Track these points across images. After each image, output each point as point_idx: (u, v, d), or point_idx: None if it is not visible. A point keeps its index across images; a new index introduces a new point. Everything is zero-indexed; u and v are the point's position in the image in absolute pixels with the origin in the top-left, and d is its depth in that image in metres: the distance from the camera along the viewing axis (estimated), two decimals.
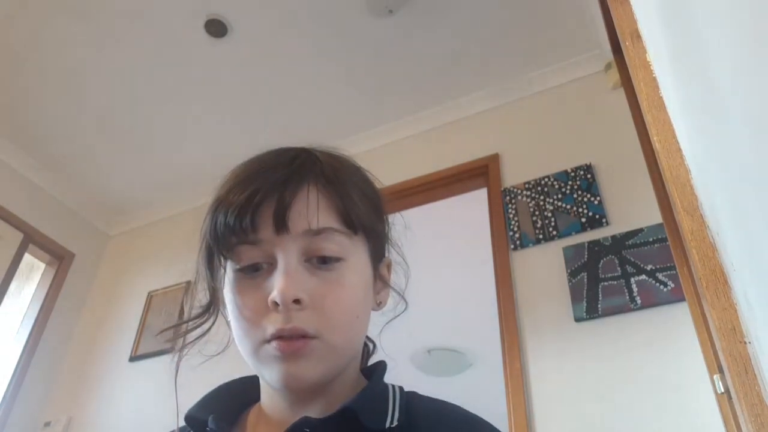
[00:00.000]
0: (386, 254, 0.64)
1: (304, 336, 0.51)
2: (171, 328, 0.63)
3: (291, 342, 0.50)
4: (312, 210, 0.53)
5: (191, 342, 0.61)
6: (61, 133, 3.09)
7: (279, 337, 0.50)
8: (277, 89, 2.85)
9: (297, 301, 0.51)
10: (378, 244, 0.60)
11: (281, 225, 0.52)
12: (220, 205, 0.55)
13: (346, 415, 0.51)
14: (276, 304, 0.50)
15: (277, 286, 0.51)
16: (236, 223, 0.53)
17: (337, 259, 0.54)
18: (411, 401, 0.57)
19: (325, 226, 0.54)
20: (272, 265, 0.53)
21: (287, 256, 0.52)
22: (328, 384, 0.55)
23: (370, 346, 0.66)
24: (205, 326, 0.61)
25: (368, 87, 2.85)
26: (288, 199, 0.53)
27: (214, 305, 0.60)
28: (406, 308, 0.65)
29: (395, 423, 0.53)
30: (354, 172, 0.61)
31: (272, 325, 0.51)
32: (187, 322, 0.61)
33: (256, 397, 0.61)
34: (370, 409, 0.53)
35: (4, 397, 2.89)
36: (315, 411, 0.54)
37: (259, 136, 3.06)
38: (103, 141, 3.14)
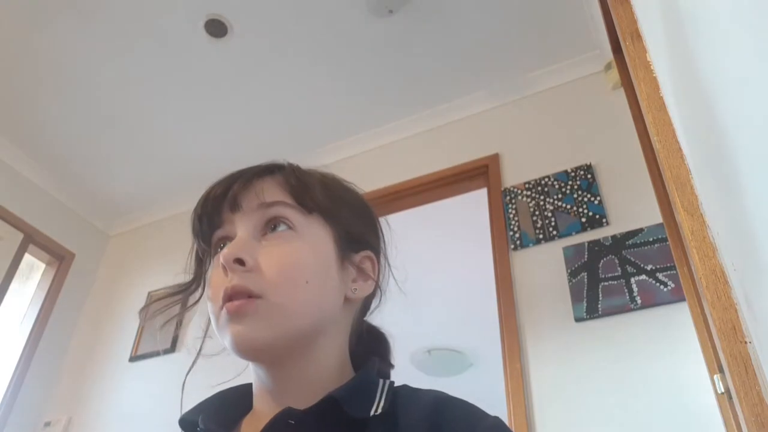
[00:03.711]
0: (368, 251, 0.66)
1: (249, 296, 0.54)
2: (152, 303, 0.67)
3: (237, 302, 0.54)
4: (262, 189, 0.60)
5: (187, 308, 0.65)
6: (61, 133, 3.09)
7: (228, 300, 0.54)
8: (277, 89, 2.85)
9: (241, 262, 0.55)
10: (348, 234, 0.63)
11: (234, 203, 0.59)
12: (195, 206, 0.63)
13: (330, 404, 0.52)
14: (225, 268, 0.55)
15: (223, 251, 0.56)
16: (202, 212, 0.61)
17: (287, 227, 0.58)
18: (398, 392, 0.58)
19: (277, 200, 0.59)
20: None
21: (241, 229, 0.58)
22: (304, 365, 0.57)
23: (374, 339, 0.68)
24: (193, 298, 0.65)
25: (368, 87, 2.84)
26: (243, 183, 0.60)
27: (196, 282, 0.64)
28: (379, 304, 0.68)
29: (380, 411, 0.54)
30: (326, 175, 0.67)
31: (223, 289, 0.55)
32: (171, 295, 0.65)
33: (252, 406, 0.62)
34: (354, 399, 0.54)
35: (4, 397, 2.89)
36: (301, 403, 0.54)
37: (258, 135, 3.06)
38: (103, 141, 3.14)
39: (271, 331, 0.54)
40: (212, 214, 0.60)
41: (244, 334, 0.53)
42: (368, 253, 0.65)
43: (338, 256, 0.61)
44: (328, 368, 0.59)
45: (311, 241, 0.59)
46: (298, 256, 0.57)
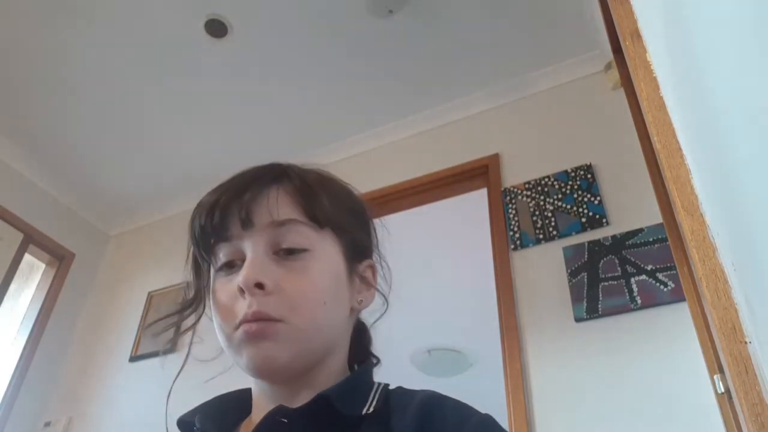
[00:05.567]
0: (370, 258, 0.66)
1: (269, 320, 0.53)
2: (159, 321, 0.65)
3: (257, 325, 0.53)
4: (274, 205, 0.58)
5: (185, 331, 0.64)
6: (61, 133, 3.09)
7: (246, 321, 0.53)
8: (277, 89, 2.85)
9: (260, 286, 0.54)
10: (353, 245, 0.63)
11: (246, 220, 0.57)
12: (196, 210, 0.61)
13: (322, 403, 0.52)
14: (242, 290, 0.54)
15: (241, 273, 0.54)
16: (207, 223, 0.58)
17: (303, 250, 0.57)
18: (392, 392, 0.58)
19: (289, 218, 0.58)
20: (244, 261, 0.56)
21: (254, 248, 0.56)
22: (312, 378, 0.57)
23: (365, 342, 0.67)
24: (192, 320, 0.64)
25: (368, 87, 2.84)
26: (252, 196, 0.58)
27: (197, 301, 0.63)
28: (386, 310, 0.68)
29: (372, 410, 0.54)
30: (326, 178, 0.65)
31: (240, 311, 0.54)
32: (172, 315, 0.64)
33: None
34: (346, 397, 0.54)
35: (4, 397, 2.89)
36: (297, 404, 0.54)
37: (258, 136, 3.06)
38: (103, 141, 3.14)
39: (289, 353, 0.54)
40: (219, 227, 0.58)
41: (263, 356, 0.53)
42: (370, 261, 0.66)
43: (347, 269, 0.61)
44: (331, 376, 0.59)
45: (326, 260, 0.58)
46: (316, 279, 0.57)
